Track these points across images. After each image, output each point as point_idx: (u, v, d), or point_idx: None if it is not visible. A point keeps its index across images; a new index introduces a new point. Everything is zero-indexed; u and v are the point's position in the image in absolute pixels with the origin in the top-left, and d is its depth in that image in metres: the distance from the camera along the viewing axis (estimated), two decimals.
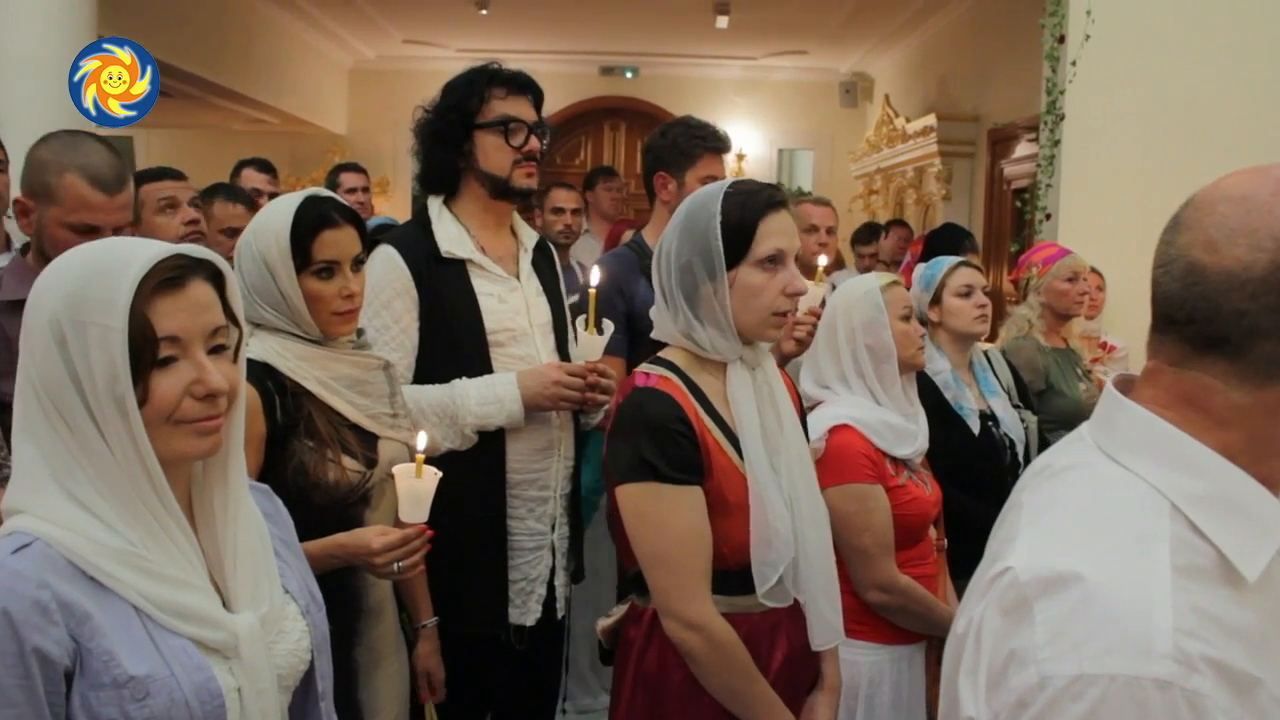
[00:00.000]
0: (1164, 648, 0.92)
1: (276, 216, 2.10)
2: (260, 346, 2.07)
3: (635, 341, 3.08)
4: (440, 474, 1.96)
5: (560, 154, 11.30)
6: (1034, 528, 1.07)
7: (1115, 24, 4.86)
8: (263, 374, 2.03)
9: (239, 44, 8.63)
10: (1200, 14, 4.95)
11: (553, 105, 10.92)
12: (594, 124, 11.66)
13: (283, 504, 1.59)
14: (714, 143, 3.25)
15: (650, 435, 1.91)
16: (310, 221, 2.09)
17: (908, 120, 8.79)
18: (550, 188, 5.39)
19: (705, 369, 2.01)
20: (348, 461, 2.08)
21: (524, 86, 2.70)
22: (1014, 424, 3.24)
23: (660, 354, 2.06)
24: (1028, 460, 3.27)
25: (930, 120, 8.05)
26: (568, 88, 11.06)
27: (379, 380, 2.22)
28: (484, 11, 8.60)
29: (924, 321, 3.14)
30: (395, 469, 1.97)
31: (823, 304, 2.90)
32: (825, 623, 2.05)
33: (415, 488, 1.93)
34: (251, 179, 4.76)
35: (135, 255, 1.29)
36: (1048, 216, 5.08)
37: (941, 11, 8.44)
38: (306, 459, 2.04)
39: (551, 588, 2.68)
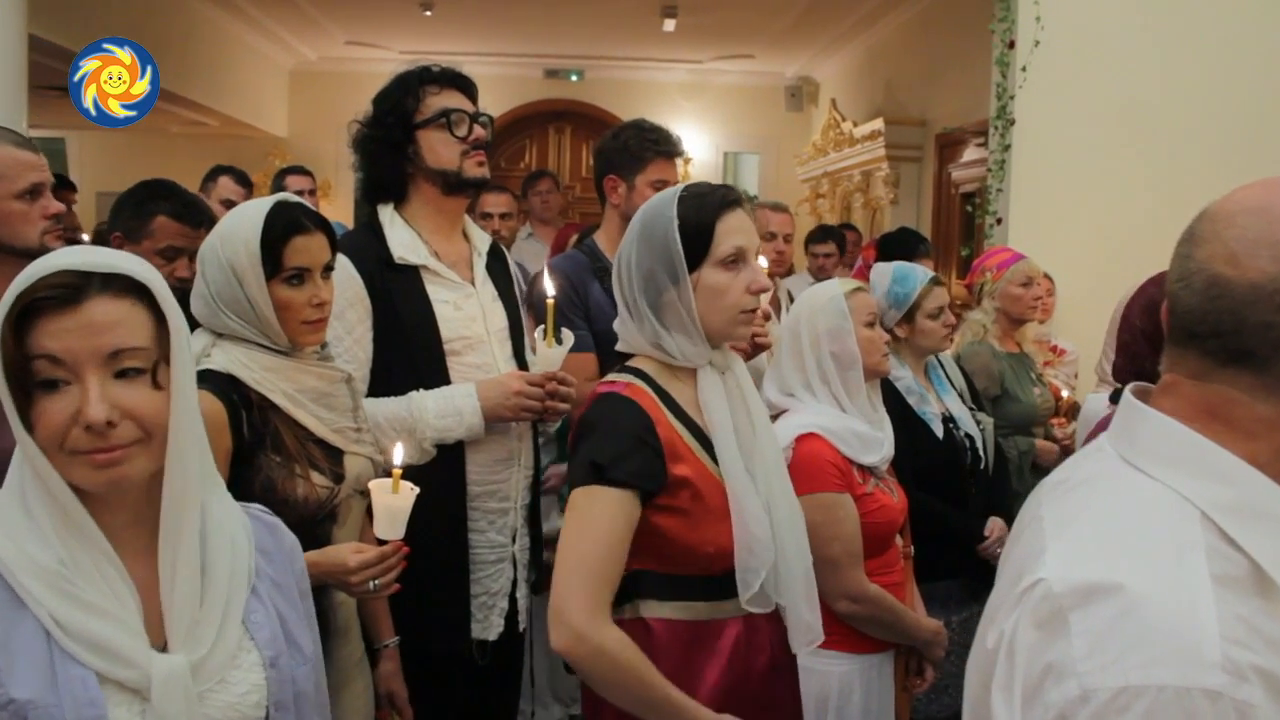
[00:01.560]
0: (1213, 657, 0.90)
1: (245, 222, 2.03)
2: (224, 357, 2.00)
3: (595, 343, 3.05)
4: (417, 490, 1.90)
5: (504, 158, 11.21)
6: (1063, 539, 1.04)
7: (1064, 29, 4.91)
8: (228, 386, 1.97)
9: (175, 43, 8.43)
10: (1149, 19, 5.01)
11: (497, 108, 10.82)
12: (538, 127, 11.58)
13: (293, 543, 1.49)
14: (665, 147, 3.20)
15: (604, 437, 1.87)
16: (281, 227, 2.03)
17: (855, 124, 8.82)
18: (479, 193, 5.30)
19: (675, 376, 1.98)
20: (316, 477, 2.02)
21: (454, 80, 2.63)
22: (968, 421, 3.26)
23: (629, 363, 2.01)
24: (988, 460, 3.26)
25: (878, 124, 8.07)
26: (512, 90, 11.00)
27: (342, 393, 2.16)
28: (428, 13, 8.50)
29: (889, 331, 3.12)
30: (371, 484, 1.91)
31: (778, 305, 2.87)
32: (805, 625, 2.01)
33: (392, 504, 1.88)
34: (227, 189, 4.58)
35: (33, 270, 1.23)
36: (998, 221, 5.11)
37: (888, 16, 8.47)
38: (274, 475, 1.97)
39: (513, 600, 2.62)
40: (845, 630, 2.48)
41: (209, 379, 1.95)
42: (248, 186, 4.80)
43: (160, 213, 2.90)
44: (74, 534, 1.24)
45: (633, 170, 3.18)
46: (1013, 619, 1.01)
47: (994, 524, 3.15)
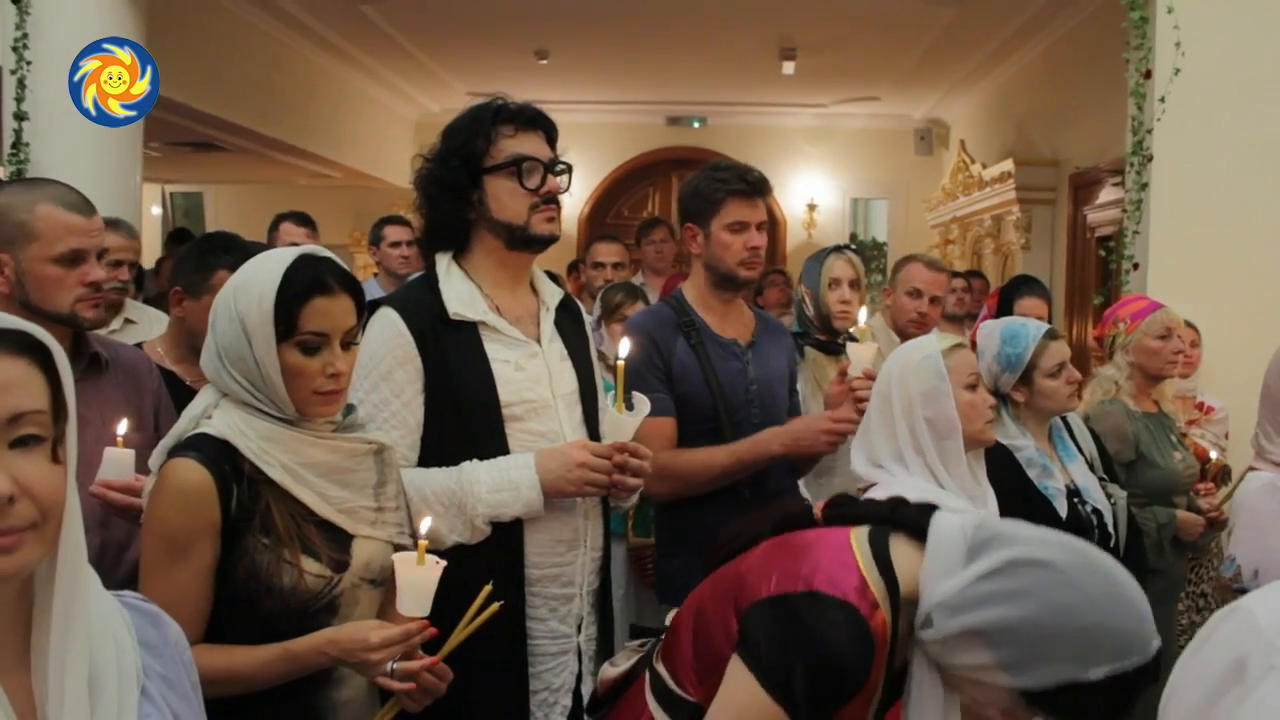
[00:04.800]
0: None
1: (262, 275, 1.82)
2: (223, 421, 1.82)
3: (676, 405, 2.87)
4: (444, 564, 1.76)
5: (627, 206, 11.17)
6: None
7: (1207, 56, 4.50)
8: (221, 455, 1.78)
9: (297, 99, 8.57)
10: None
11: (620, 155, 10.72)
12: (662, 175, 11.44)
13: (177, 632, 1.29)
14: (737, 185, 2.95)
15: (810, 667, 1.61)
16: (301, 285, 1.81)
17: (984, 166, 8.44)
18: (593, 241, 5.17)
19: None
20: (308, 564, 1.80)
21: (534, 120, 2.40)
22: (1096, 493, 2.93)
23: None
24: (1118, 538, 2.92)
25: (1007, 166, 7.69)
26: (635, 138, 10.96)
27: (365, 468, 1.93)
28: (544, 61, 8.48)
29: (1002, 397, 2.83)
30: (395, 557, 1.77)
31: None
32: None
33: (417, 578, 1.75)
34: (290, 234, 4.59)
35: None
36: (1135, 266, 4.71)
37: (1017, 53, 8.13)
38: (260, 559, 1.78)
39: (578, 696, 2.36)
40: None
41: (201, 445, 1.78)
42: (309, 225, 4.78)
43: (221, 266, 2.78)
44: None
45: (707, 215, 2.98)
46: None
47: None
